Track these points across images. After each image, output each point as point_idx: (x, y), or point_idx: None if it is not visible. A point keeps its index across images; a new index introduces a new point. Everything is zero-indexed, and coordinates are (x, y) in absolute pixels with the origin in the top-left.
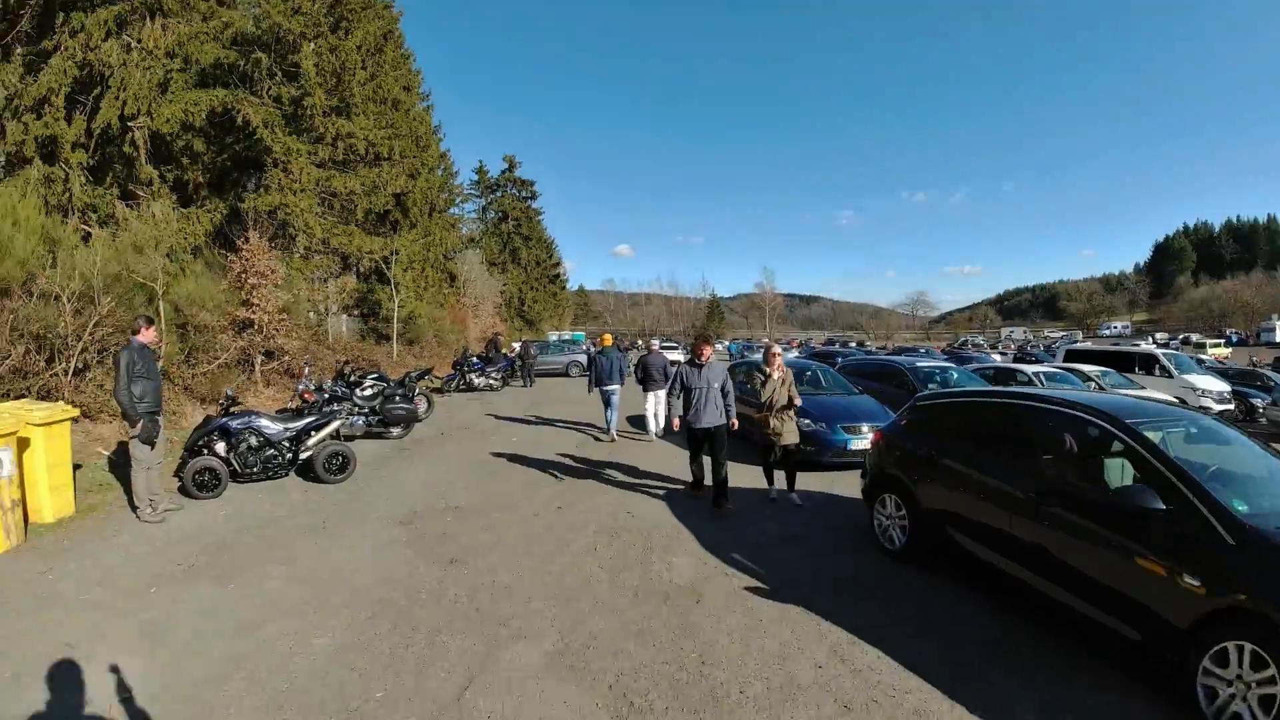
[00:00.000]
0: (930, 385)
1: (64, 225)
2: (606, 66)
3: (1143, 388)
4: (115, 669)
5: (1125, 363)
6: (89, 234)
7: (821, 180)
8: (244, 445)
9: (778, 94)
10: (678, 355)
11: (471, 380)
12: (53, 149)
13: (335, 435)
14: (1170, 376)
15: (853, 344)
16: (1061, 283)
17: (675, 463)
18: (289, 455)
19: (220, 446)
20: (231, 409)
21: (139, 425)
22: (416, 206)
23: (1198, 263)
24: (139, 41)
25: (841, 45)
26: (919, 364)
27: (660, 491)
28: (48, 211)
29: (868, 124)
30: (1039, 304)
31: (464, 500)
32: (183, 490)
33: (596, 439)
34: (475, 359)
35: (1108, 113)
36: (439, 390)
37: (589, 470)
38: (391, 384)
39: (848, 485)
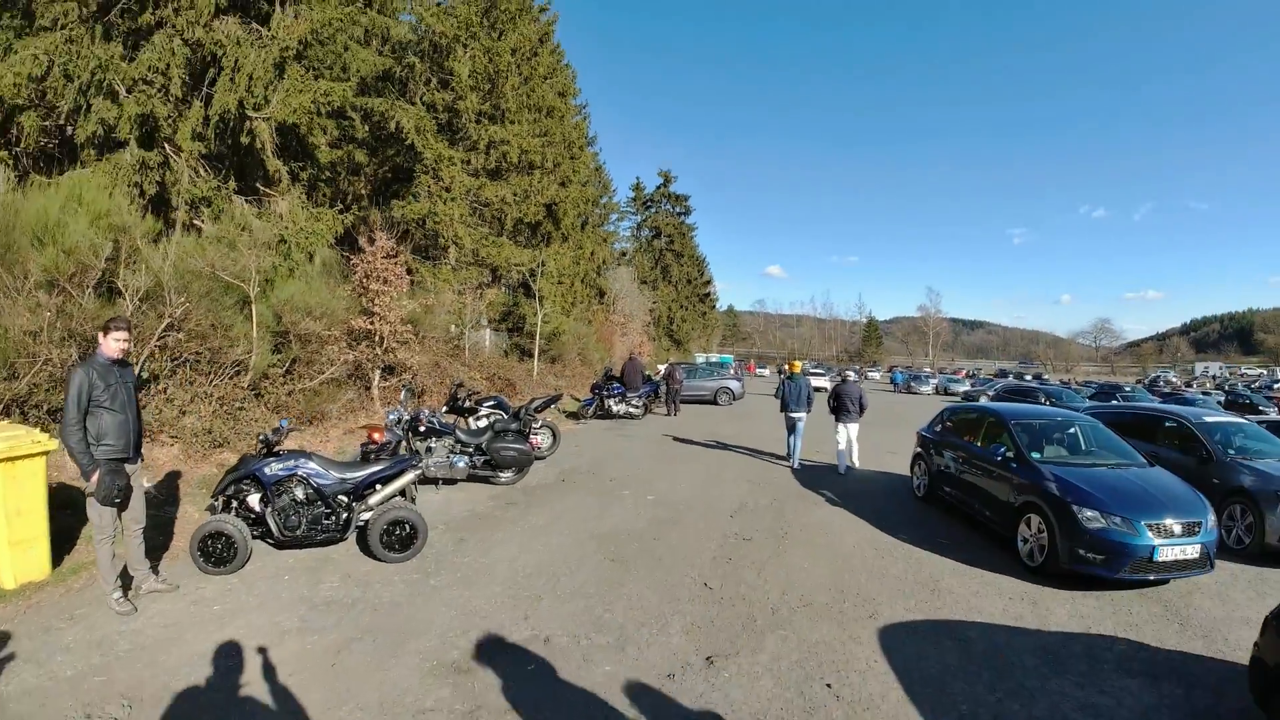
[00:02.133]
0: (1230, 452)
1: (149, 218)
2: (763, 83)
3: None
4: None
5: None
6: (199, 229)
7: (992, 194)
8: (286, 498)
9: (942, 101)
10: (824, 381)
11: (610, 406)
12: (153, 132)
13: (405, 493)
14: None
15: (1028, 376)
16: (1254, 311)
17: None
18: (344, 515)
19: (254, 499)
20: (276, 448)
21: (94, 479)
22: (568, 217)
23: None
24: (266, 29)
25: (1015, 46)
26: (1207, 418)
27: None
28: (146, 204)
29: (1044, 131)
30: (1229, 335)
31: (564, 619)
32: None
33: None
34: (616, 383)
35: None
36: (575, 416)
37: (765, 536)
38: (508, 414)
39: None
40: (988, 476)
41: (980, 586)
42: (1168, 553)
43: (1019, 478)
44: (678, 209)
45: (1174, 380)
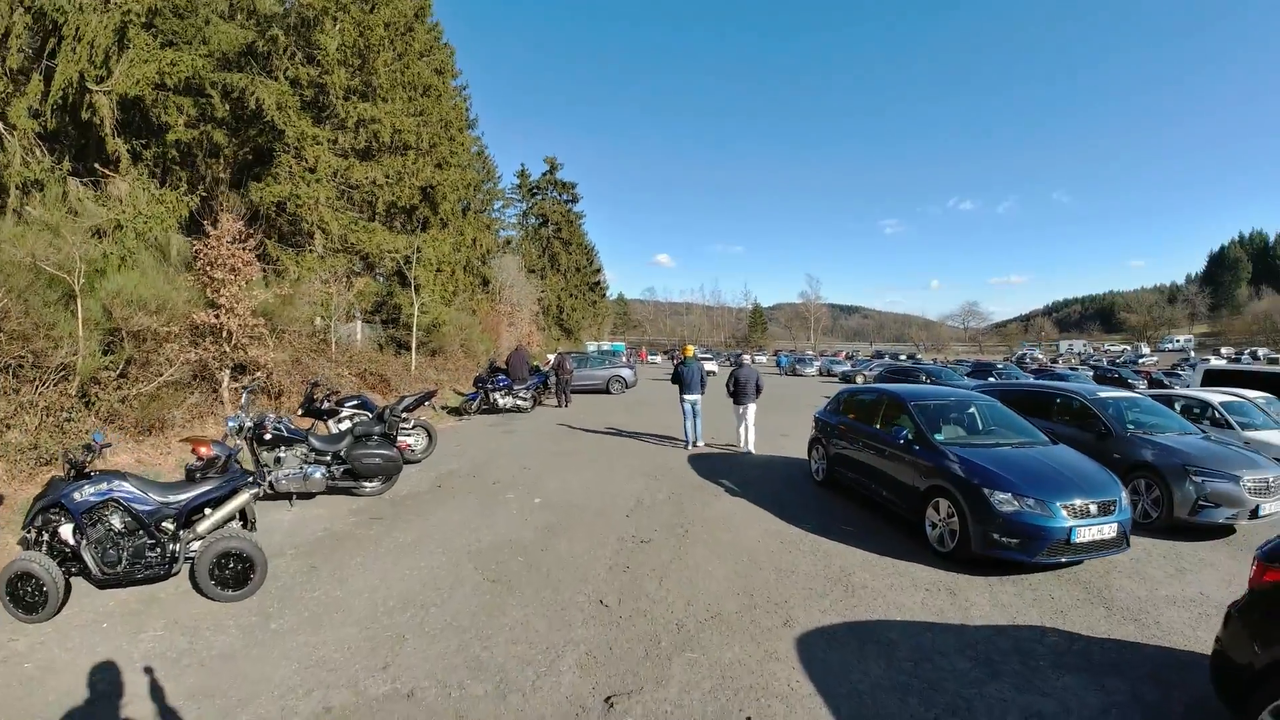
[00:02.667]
0: (1129, 426)
1: None
2: (649, 75)
3: None
4: None
5: (1266, 386)
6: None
7: (866, 188)
8: (101, 529)
9: (821, 102)
10: (713, 366)
11: (496, 400)
12: None
13: (245, 516)
14: None
15: (903, 356)
16: (1113, 294)
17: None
18: (170, 546)
19: (66, 530)
20: (86, 469)
21: None
22: (447, 202)
23: (1254, 273)
24: None
25: (887, 51)
26: (1102, 394)
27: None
28: None
29: (915, 129)
30: (1090, 315)
31: (433, 663)
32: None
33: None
34: (501, 375)
35: (1159, 120)
36: (457, 412)
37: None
38: (374, 414)
39: None
40: (890, 460)
41: (894, 578)
42: (1085, 533)
43: (923, 460)
44: (565, 196)
45: (1040, 357)
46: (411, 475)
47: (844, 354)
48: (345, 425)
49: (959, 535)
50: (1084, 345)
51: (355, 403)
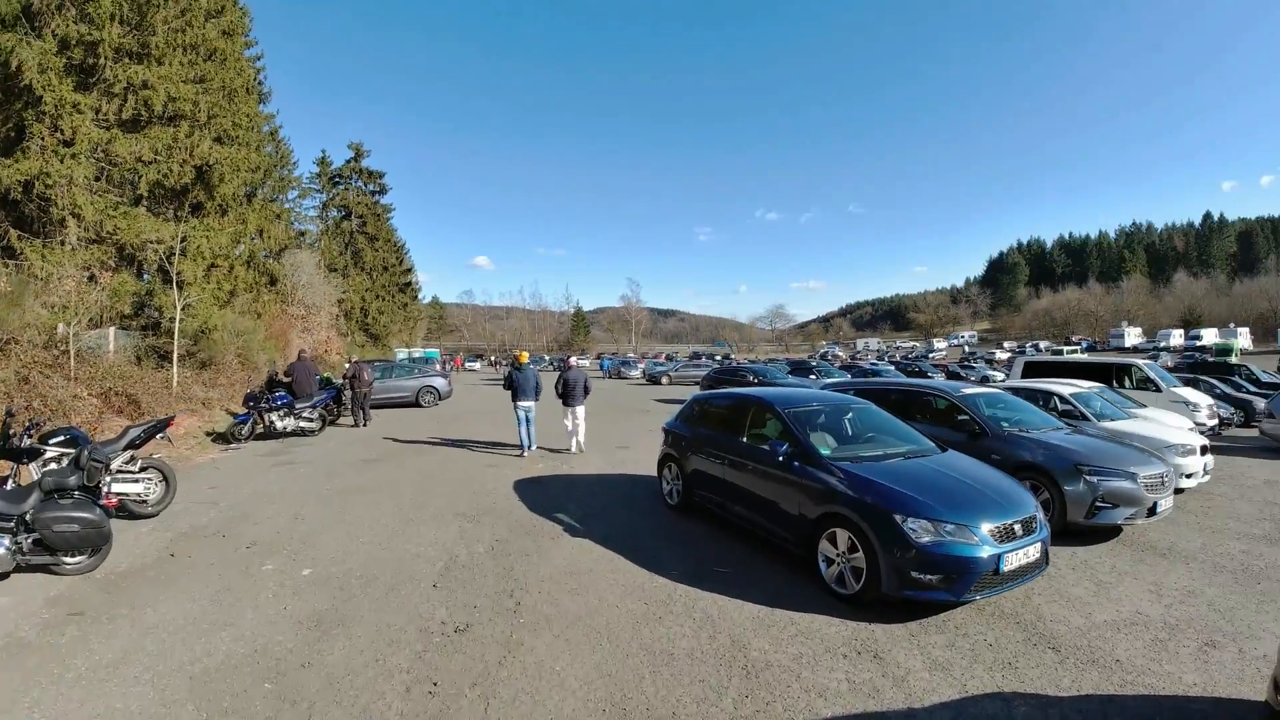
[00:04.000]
0: (1003, 425)
1: None
2: (469, 69)
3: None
4: None
5: (1100, 375)
6: None
7: (683, 197)
8: None
9: (638, 109)
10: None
11: (273, 422)
12: None
13: None
14: (1159, 390)
15: (717, 356)
16: (900, 296)
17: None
18: None
19: None
20: None
21: None
22: (227, 185)
23: (1031, 276)
24: None
25: (696, 65)
26: (967, 390)
27: None
28: None
29: (727, 146)
30: (881, 315)
31: None
32: None
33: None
34: (281, 391)
35: (941, 139)
36: (225, 438)
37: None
38: (89, 453)
39: None
40: (766, 481)
41: (801, 644)
42: (1012, 559)
43: (811, 482)
44: (371, 186)
45: (840, 354)
46: (141, 537)
47: (663, 355)
48: (45, 471)
49: (865, 574)
50: (879, 343)
51: (61, 438)
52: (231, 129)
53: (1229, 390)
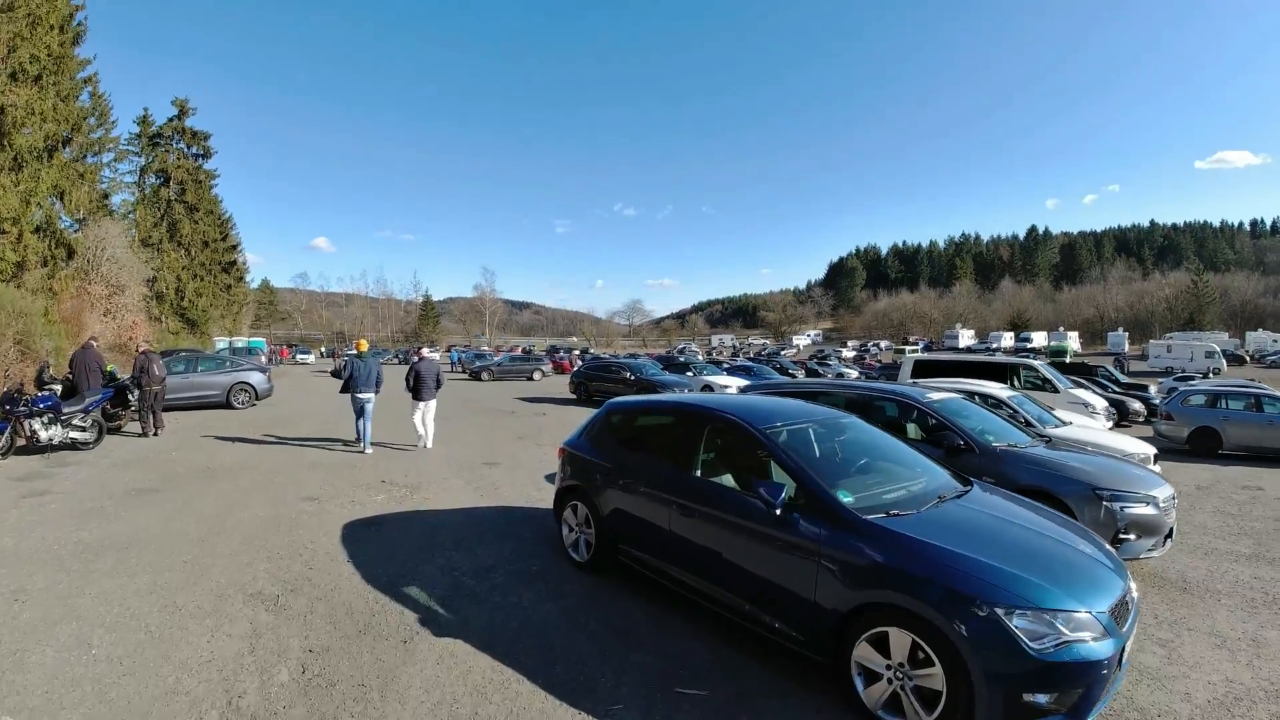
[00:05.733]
0: (989, 439)
1: None
2: (314, 36)
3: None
4: None
5: (993, 375)
6: None
7: (542, 187)
8: None
9: (499, 93)
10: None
11: (36, 432)
12: None
13: None
14: (1056, 391)
15: (575, 351)
16: (748, 295)
17: None
18: None
19: None
20: None
21: None
22: (22, 135)
23: (867, 279)
24: None
25: (556, 54)
26: (932, 396)
27: None
28: None
29: (591, 135)
30: (731, 313)
31: None
32: None
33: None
34: (45, 392)
35: (783, 148)
36: None
37: None
38: None
39: None
40: (750, 542)
41: None
42: (1129, 645)
43: (837, 552)
44: (195, 150)
45: (695, 350)
46: None
47: (520, 348)
48: None
49: (944, 702)
50: (732, 339)
51: None
52: (29, 63)
53: (1098, 391)
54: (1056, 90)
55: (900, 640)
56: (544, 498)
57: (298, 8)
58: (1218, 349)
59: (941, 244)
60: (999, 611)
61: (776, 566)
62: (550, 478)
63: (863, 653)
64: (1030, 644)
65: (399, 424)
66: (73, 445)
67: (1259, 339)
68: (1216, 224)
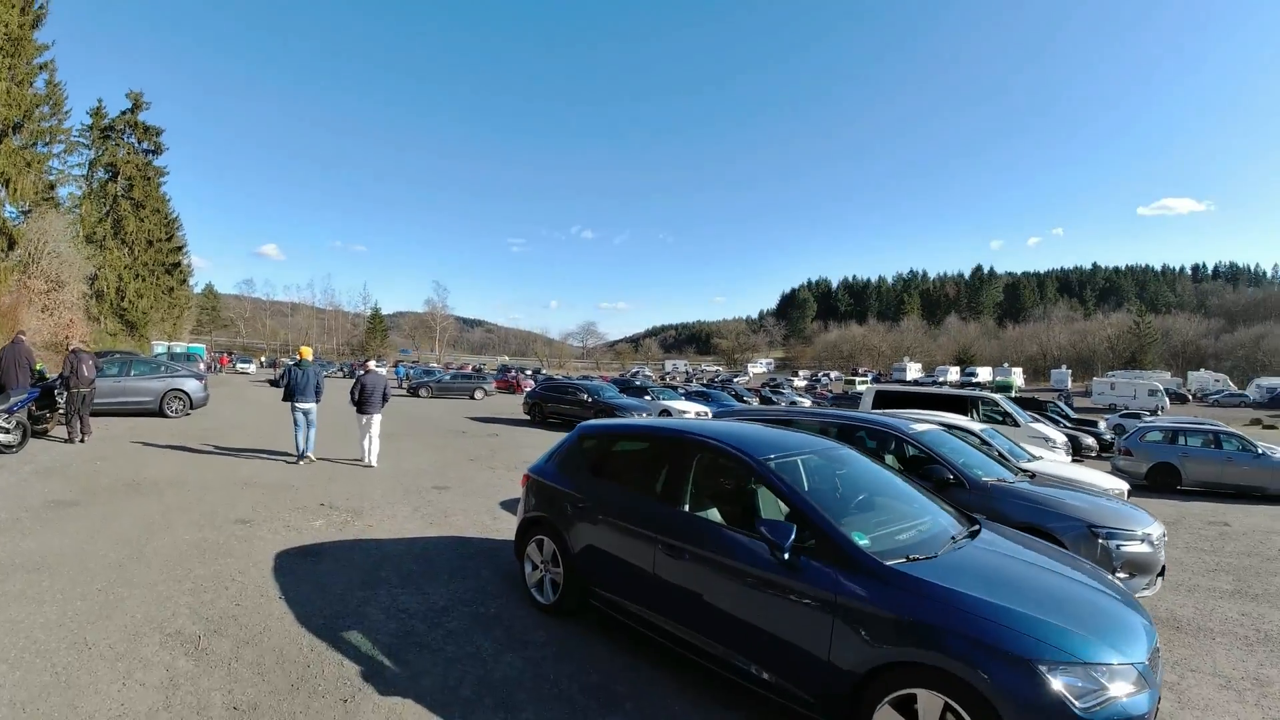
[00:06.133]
0: (977, 472)
1: None
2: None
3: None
4: None
5: (953, 407)
6: None
7: (499, 204)
8: None
9: (460, 112)
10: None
11: None
12: None
13: None
14: (1017, 425)
15: (528, 370)
16: (701, 322)
17: None
18: None
19: None
20: None
21: None
22: None
23: (818, 311)
24: None
25: (517, 78)
26: (917, 426)
27: None
28: None
29: (551, 157)
30: (684, 339)
31: None
32: None
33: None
34: None
35: (738, 186)
36: None
37: None
38: None
39: None
40: (747, 589)
41: None
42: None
43: (852, 603)
44: (145, 145)
45: (649, 375)
46: None
47: (470, 366)
48: None
49: None
50: (686, 365)
51: None
52: None
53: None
54: (1002, 135)
55: (931, 704)
56: (500, 528)
57: (257, 11)
58: (1161, 387)
59: (890, 279)
60: (1043, 668)
61: (782, 618)
62: (507, 505)
63: (885, 718)
64: (1076, 703)
65: (342, 440)
66: None
67: (1201, 379)
68: (1159, 267)
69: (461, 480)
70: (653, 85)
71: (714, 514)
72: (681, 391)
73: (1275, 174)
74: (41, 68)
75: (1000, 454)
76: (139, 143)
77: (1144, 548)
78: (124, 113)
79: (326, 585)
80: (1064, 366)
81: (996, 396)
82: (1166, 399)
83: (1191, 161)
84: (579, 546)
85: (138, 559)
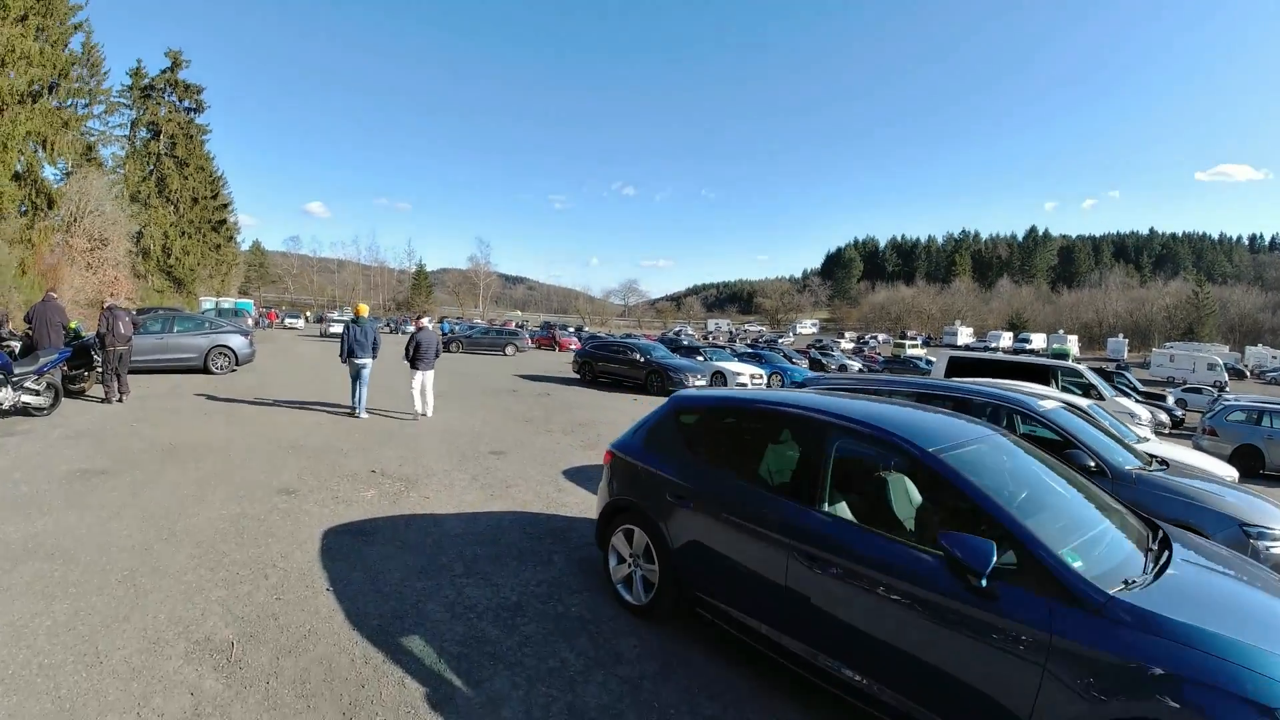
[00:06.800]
0: (1119, 459)
1: None
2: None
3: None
4: None
5: (1033, 377)
6: None
7: (539, 161)
8: None
9: (501, 73)
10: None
11: None
12: None
13: None
14: (1102, 399)
15: (570, 328)
16: (744, 281)
17: None
18: None
19: None
20: None
21: None
22: (3, 75)
23: (864, 271)
24: None
25: (562, 36)
26: (1044, 404)
27: None
28: None
29: (588, 121)
30: (726, 298)
31: None
32: None
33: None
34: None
35: (784, 143)
36: None
37: None
38: None
39: None
40: (924, 619)
41: None
42: None
43: (1079, 647)
44: (186, 103)
45: (692, 334)
46: None
47: (513, 323)
48: None
49: None
50: (729, 324)
51: None
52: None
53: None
54: (1059, 93)
55: None
56: (567, 501)
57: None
58: (1220, 361)
59: (940, 240)
60: None
61: (972, 661)
62: (570, 474)
63: None
64: None
65: (393, 395)
66: (25, 410)
67: (1258, 354)
68: (1215, 236)
69: (518, 444)
70: (696, 41)
71: (844, 511)
72: (730, 352)
73: None
74: (76, 28)
75: (1114, 435)
76: (180, 101)
77: None
78: (163, 71)
79: (381, 573)
80: (1120, 335)
81: (1080, 367)
82: (1225, 374)
83: (1252, 129)
84: (680, 542)
85: (167, 540)
